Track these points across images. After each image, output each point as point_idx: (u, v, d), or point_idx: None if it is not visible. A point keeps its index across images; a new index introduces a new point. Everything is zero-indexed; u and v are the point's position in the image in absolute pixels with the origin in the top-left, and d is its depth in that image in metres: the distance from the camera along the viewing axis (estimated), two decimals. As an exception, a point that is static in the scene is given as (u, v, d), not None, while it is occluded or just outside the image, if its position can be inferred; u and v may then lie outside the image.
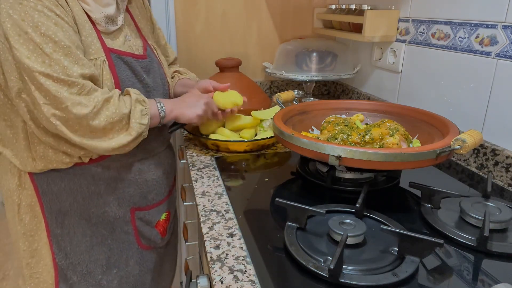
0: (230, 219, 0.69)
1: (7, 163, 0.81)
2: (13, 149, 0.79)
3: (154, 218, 0.92)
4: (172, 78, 1.07)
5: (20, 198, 0.81)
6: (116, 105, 0.73)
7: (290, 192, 0.82)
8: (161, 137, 0.92)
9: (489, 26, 0.87)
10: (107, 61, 0.76)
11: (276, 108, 1.09)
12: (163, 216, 0.95)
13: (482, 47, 0.89)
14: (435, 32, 1.03)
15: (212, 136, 1.02)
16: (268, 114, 1.08)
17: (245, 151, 1.01)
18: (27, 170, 0.79)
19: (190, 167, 0.91)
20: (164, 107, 0.83)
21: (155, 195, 0.91)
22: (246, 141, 0.99)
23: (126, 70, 0.81)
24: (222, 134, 1.04)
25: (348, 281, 0.52)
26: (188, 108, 0.88)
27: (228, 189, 0.80)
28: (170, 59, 1.10)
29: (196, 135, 1.02)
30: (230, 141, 0.99)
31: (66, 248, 0.84)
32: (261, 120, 1.09)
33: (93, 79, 0.72)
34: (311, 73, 1.37)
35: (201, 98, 0.91)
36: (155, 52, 0.93)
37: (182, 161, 1.16)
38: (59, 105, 0.68)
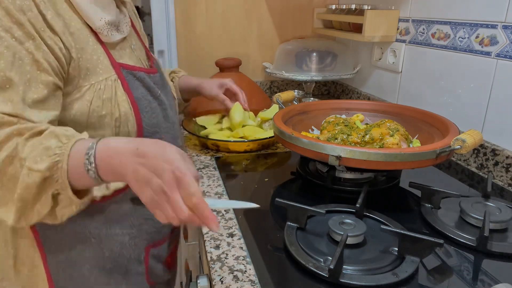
0: (230, 219, 0.69)
1: None
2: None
3: (165, 252, 0.81)
4: (172, 80, 1.03)
5: (16, 248, 0.66)
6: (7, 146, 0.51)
7: (290, 192, 0.82)
8: None
9: (489, 26, 0.87)
10: (119, 80, 0.64)
11: (276, 107, 1.09)
12: (171, 249, 0.85)
13: (482, 47, 0.89)
14: (435, 32, 1.03)
15: (212, 136, 1.02)
16: (271, 113, 1.08)
17: (245, 151, 1.01)
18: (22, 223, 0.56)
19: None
20: (91, 155, 0.51)
21: (167, 228, 0.80)
22: (246, 141, 0.99)
23: (140, 87, 0.68)
24: (222, 134, 1.04)
25: (348, 281, 0.52)
26: (135, 175, 0.50)
27: (228, 189, 0.80)
28: None
29: (196, 135, 1.02)
30: (230, 141, 0.99)
31: None
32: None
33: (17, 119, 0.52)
34: (311, 73, 1.37)
35: (167, 161, 0.49)
36: (159, 62, 0.83)
37: (182, 161, 1.16)
38: None
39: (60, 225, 0.59)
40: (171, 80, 1.04)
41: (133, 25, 0.77)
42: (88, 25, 0.62)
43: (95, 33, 0.63)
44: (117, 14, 0.68)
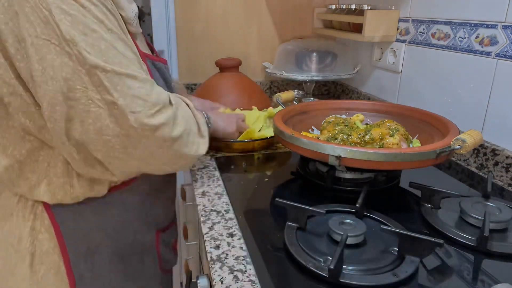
0: (230, 219, 0.69)
1: (11, 206, 0.67)
2: (43, 176, 0.65)
3: (172, 237, 0.88)
4: None
5: (35, 245, 0.66)
6: (182, 105, 0.68)
7: (290, 192, 0.82)
8: None
9: (489, 26, 0.87)
10: (147, 70, 0.67)
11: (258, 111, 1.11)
12: (175, 235, 0.91)
13: (482, 47, 0.89)
14: (435, 32, 1.03)
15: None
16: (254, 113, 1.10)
17: (245, 151, 1.01)
18: (57, 200, 0.65)
19: (190, 167, 0.91)
20: (210, 118, 0.80)
21: (172, 212, 0.88)
22: (246, 141, 0.99)
23: (159, 78, 0.74)
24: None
25: (348, 281, 0.52)
26: (226, 123, 0.90)
27: (228, 189, 0.80)
28: None
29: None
30: (230, 141, 0.99)
31: None
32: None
33: None
34: (311, 73, 1.37)
35: (231, 116, 0.94)
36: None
37: (182, 161, 1.16)
38: (150, 110, 0.58)
39: (81, 214, 0.68)
40: None
41: None
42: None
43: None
44: (137, 9, 0.71)
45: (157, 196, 0.80)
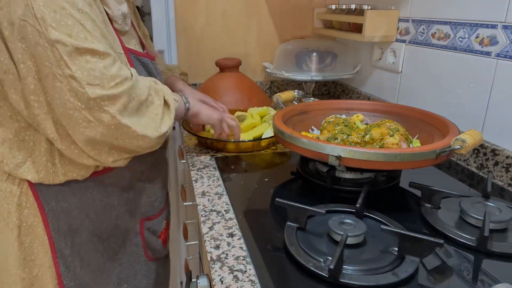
0: (230, 219, 0.69)
1: (1, 182, 0.72)
2: (29, 154, 0.69)
3: (159, 227, 0.90)
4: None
5: (21, 219, 0.72)
6: (147, 79, 0.71)
7: (290, 192, 0.82)
8: (165, 142, 0.90)
9: (489, 26, 0.87)
10: (128, 63, 0.72)
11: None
12: (164, 225, 0.93)
13: (482, 47, 0.89)
14: (435, 32, 1.03)
15: (212, 136, 1.02)
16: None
17: (245, 151, 1.01)
18: (40, 179, 0.70)
19: (190, 167, 0.91)
20: (187, 99, 0.83)
21: (159, 203, 0.89)
22: (246, 141, 0.99)
23: (143, 71, 0.79)
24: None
25: (348, 281, 0.52)
26: (209, 108, 0.89)
27: (228, 189, 0.80)
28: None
29: (196, 135, 1.02)
30: (230, 141, 0.99)
31: (76, 269, 0.76)
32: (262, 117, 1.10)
33: None
34: (311, 73, 1.37)
35: (218, 103, 0.94)
36: (151, 49, 0.93)
37: (182, 161, 1.16)
38: (108, 83, 0.61)
39: (63, 195, 0.73)
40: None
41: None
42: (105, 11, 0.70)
43: (110, 20, 0.72)
44: (127, 9, 0.77)
45: (142, 184, 0.83)
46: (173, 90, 1.04)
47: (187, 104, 0.84)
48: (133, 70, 0.69)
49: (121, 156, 0.70)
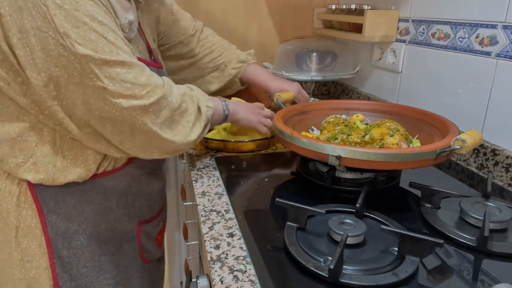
0: (230, 219, 0.69)
1: (0, 182, 0.72)
2: (30, 155, 0.69)
3: (155, 229, 0.90)
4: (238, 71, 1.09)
5: (19, 220, 0.72)
6: (182, 86, 0.73)
7: (290, 192, 0.82)
8: None
9: (489, 26, 0.87)
10: None
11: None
12: (160, 227, 0.93)
13: (482, 47, 0.89)
14: (435, 32, 1.03)
15: (212, 136, 1.02)
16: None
17: (245, 151, 1.01)
18: (40, 180, 0.69)
19: (190, 167, 0.91)
20: (228, 105, 0.84)
21: (157, 206, 0.90)
22: (246, 141, 0.99)
23: None
24: (221, 134, 1.04)
25: (348, 281, 0.52)
26: (249, 114, 0.91)
27: (228, 189, 0.80)
28: (196, 28, 1.10)
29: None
30: (230, 141, 0.99)
31: (72, 270, 0.76)
32: None
33: None
34: (311, 73, 1.37)
35: (256, 106, 0.94)
36: (159, 56, 0.92)
37: (182, 161, 1.16)
38: (139, 92, 0.63)
39: (62, 197, 0.73)
40: (237, 71, 1.10)
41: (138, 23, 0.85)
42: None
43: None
44: (135, 16, 0.76)
45: (141, 188, 0.83)
46: (255, 82, 1.09)
47: (226, 111, 0.85)
48: (166, 78, 0.71)
49: (151, 154, 0.72)
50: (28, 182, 0.71)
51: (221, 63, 1.10)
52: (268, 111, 0.98)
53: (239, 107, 0.89)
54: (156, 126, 0.67)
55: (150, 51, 0.85)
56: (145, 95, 0.64)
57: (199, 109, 0.75)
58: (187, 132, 0.72)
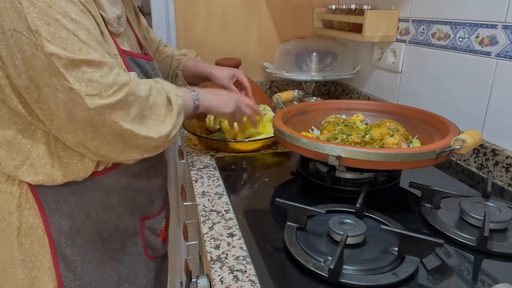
0: (230, 219, 0.69)
1: (1, 184, 0.72)
2: (26, 156, 0.70)
3: (159, 225, 0.90)
4: (177, 62, 1.06)
5: (21, 220, 0.72)
6: (148, 81, 0.71)
7: (290, 192, 0.82)
8: None
9: (489, 26, 0.87)
10: (123, 65, 0.73)
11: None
12: (163, 224, 0.93)
13: (482, 47, 0.89)
14: (435, 32, 1.03)
15: (212, 136, 1.02)
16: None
17: (245, 151, 1.01)
18: (39, 181, 0.70)
19: (190, 167, 0.91)
20: (198, 95, 0.81)
21: (159, 202, 0.90)
22: (246, 141, 0.99)
23: (140, 73, 0.78)
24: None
25: (348, 281, 0.52)
26: (222, 102, 0.87)
27: (228, 189, 0.80)
28: (157, 44, 1.09)
29: (196, 135, 1.02)
30: (230, 141, 0.99)
31: (77, 269, 0.76)
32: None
33: None
34: (311, 73, 1.37)
35: (232, 95, 0.90)
36: (148, 49, 0.92)
37: (182, 161, 1.16)
38: (105, 92, 0.62)
39: (63, 196, 0.73)
40: (178, 63, 1.07)
41: (126, 17, 0.84)
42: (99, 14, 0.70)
43: (104, 22, 0.71)
44: (122, 9, 0.76)
45: (141, 184, 0.82)
46: (198, 73, 1.05)
47: (196, 101, 0.82)
48: (133, 73, 0.69)
49: (131, 155, 0.71)
50: (29, 183, 0.71)
51: (166, 58, 1.09)
52: (246, 98, 0.93)
53: (209, 95, 0.85)
54: (127, 123, 0.65)
55: (140, 44, 0.86)
56: (112, 94, 0.63)
57: (168, 100, 0.73)
58: (160, 125, 0.71)
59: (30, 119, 0.67)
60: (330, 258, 0.55)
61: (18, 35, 0.58)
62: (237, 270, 0.56)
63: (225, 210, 0.72)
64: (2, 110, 0.68)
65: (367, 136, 0.79)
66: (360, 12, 1.22)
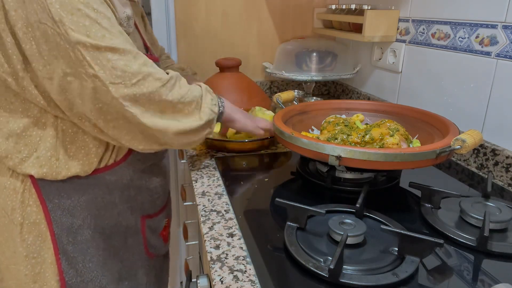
0: (230, 219, 0.69)
1: (4, 179, 0.72)
2: (34, 149, 0.70)
3: (160, 224, 0.91)
4: None
5: (23, 216, 0.72)
6: (188, 85, 0.72)
7: (290, 192, 0.82)
8: None
9: (489, 26, 0.87)
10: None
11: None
12: (165, 223, 0.94)
13: (482, 47, 0.89)
14: (435, 32, 1.03)
15: (212, 136, 1.02)
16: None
17: (245, 151, 1.01)
18: (43, 174, 0.70)
19: (190, 167, 0.91)
20: (223, 103, 0.83)
21: (161, 201, 0.90)
22: (246, 141, 0.99)
23: None
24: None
25: (348, 281, 0.52)
26: (249, 118, 0.90)
27: (228, 189, 0.80)
28: (160, 53, 1.10)
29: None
30: (230, 141, 0.99)
31: (78, 265, 0.77)
32: None
33: None
34: (311, 73, 1.37)
35: (257, 118, 0.94)
36: (154, 51, 0.93)
37: (182, 161, 1.16)
38: (129, 81, 0.63)
39: (66, 192, 0.74)
40: None
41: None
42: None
43: None
44: (131, 11, 0.77)
45: (143, 182, 0.83)
46: None
47: (221, 108, 0.83)
48: (175, 73, 0.71)
49: (151, 146, 0.73)
50: (32, 179, 0.71)
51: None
52: (263, 119, 0.96)
53: (236, 109, 0.89)
54: (145, 118, 0.66)
55: (146, 47, 0.86)
56: (136, 83, 0.63)
57: (199, 109, 0.75)
58: (179, 124, 0.72)
59: (49, 109, 0.68)
60: (330, 258, 0.55)
61: (43, 26, 0.59)
62: (237, 270, 0.56)
63: (225, 210, 0.72)
64: (15, 104, 0.68)
65: (367, 136, 0.79)
66: (360, 12, 1.22)
